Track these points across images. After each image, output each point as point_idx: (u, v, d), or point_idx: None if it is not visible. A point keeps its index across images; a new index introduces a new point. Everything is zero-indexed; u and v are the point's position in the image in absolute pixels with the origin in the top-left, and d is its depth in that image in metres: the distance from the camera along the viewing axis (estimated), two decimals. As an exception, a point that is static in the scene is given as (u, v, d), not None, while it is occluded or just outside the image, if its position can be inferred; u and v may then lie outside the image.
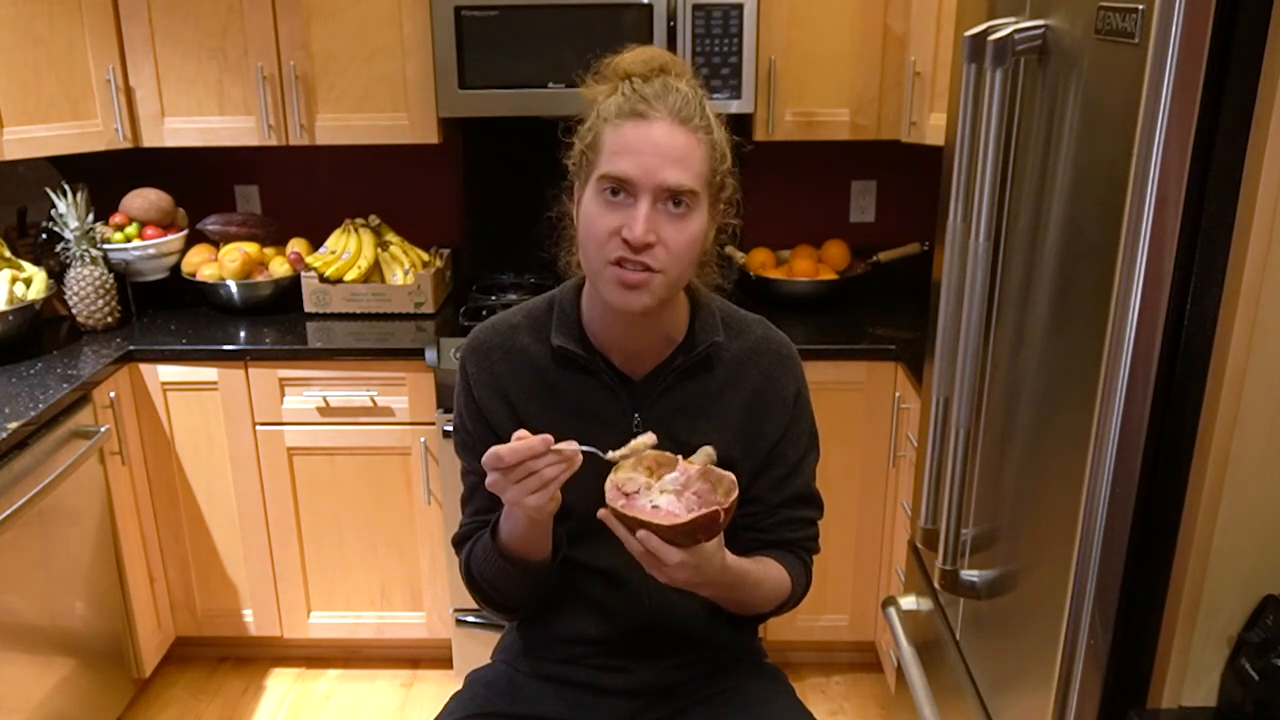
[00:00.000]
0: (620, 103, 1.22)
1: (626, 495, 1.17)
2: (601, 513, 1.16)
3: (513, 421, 1.34)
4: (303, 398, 2.52)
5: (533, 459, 1.14)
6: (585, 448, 1.18)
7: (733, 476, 1.16)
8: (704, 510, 1.13)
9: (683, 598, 1.39)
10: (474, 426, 1.37)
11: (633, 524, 1.14)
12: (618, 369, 1.34)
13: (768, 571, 1.35)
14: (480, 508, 1.38)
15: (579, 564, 1.38)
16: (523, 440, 1.14)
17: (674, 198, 1.20)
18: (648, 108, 1.20)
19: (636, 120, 1.20)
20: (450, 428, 2.40)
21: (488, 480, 1.17)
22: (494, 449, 1.15)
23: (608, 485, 1.17)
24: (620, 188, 1.20)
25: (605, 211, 1.21)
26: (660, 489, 1.17)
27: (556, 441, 1.16)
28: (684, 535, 1.13)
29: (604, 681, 1.43)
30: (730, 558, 1.24)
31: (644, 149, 1.19)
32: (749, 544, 1.39)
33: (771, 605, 1.40)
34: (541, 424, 1.33)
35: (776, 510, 1.40)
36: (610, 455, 1.19)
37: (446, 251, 2.91)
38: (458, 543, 1.42)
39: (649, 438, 1.20)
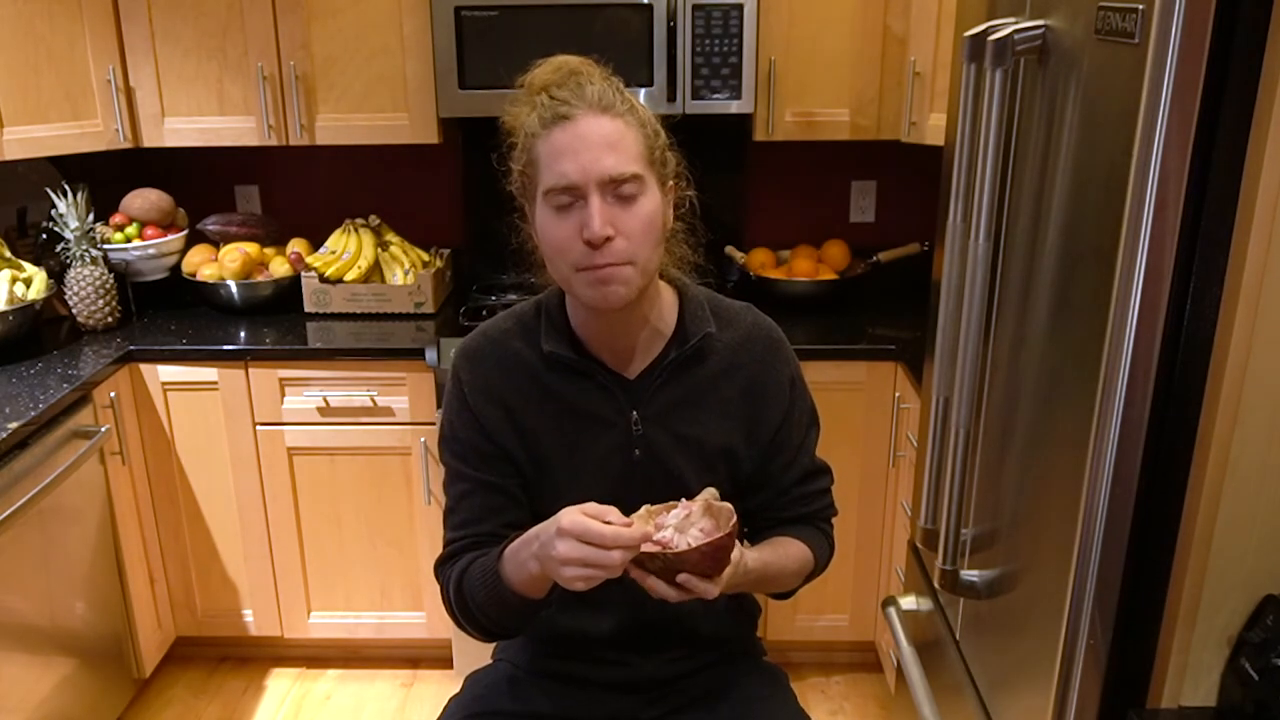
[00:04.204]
0: (541, 114, 1.22)
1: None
2: (633, 573, 1.15)
3: (510, 427, 1.33)
4: (303, 398, 2.52)
5: (621, 547, 1.11)
6: (661, 534, 1.17)
7: (730, 506, 1.17)
8: (711, 539, 1.14)
9: None
10: (466, 434, 1.35)
11: (645, 560, 1.14)
12: (611, 369, 1.34)
13: (789, 553, 1.37)
14: (466, 519, 1.35)
15: None
16: (624, 526, 1.12)
17: (619, 185, 1.20)
18: (568, 108, 1.20)
19: (562, 124, 1.20)
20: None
21: (563, 549, 1.12)
22: (600, 529, 1.10)
23: None
24: (567, 193, 1.20)
25: (560, 221, 1.21)
26: (664, 525, 1.19)
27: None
28: (686, 564, 1.14)
29: (605, 676, 1.43)
30: (752, 556, 1.25)
31: (576, 147, 1.19)
32: (768, 524, 1.41)
33: (800, 580, 1.42)
34: (540, 428, 1.33)
35: (788, 490, 1.42)
36: (669, 526, 1.19)
37: (447, 251, 2.91)
38: (443, 563, 1.37)
39: (709, 491, 1.22)
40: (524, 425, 1.33)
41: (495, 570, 1.26)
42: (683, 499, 1.20)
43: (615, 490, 1.25)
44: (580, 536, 1.10)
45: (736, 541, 1.20)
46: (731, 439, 1.36)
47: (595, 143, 1.19)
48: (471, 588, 1.29)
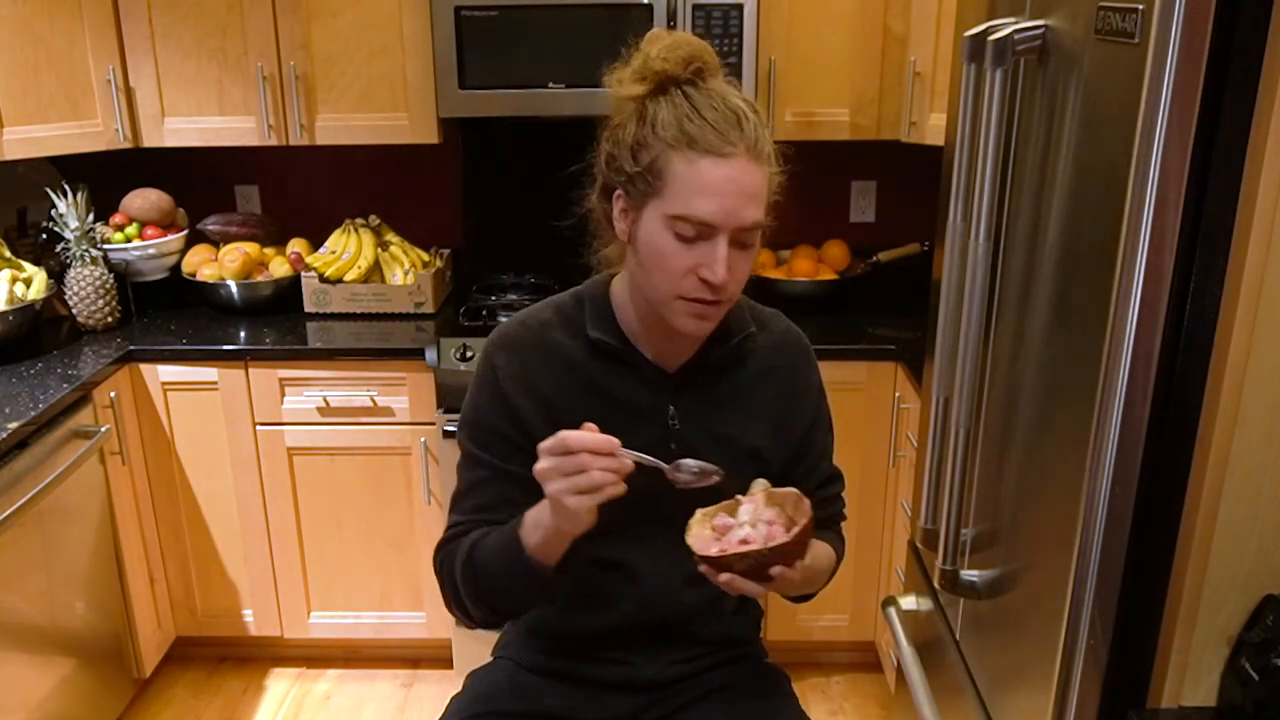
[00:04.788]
0: (690, 129, 1.18)
1: (719, 539, 1.20)
2: (707, 573, 1.17)
3: (544, 417, 1.31)
4: (303, 398, 2.52)
5: (592, 454, 1.12)
6: (650, 460, 1.18)
7: (795, 490, 1.20)
8: (802, 524, 1.16)
9: (690, 593, 1.39)
10: (493, 421, 1.34)
11: (734, 561, 1.16)
12: (652, 362, 1.35)
13: (822, 551, 1.40)
14: (480, 504, 1.34)
15: (588, 559, 1.37)
16: (591, 433, 1.13)
17: (747, 234, 1.21)
18: (725, 144, 1.17)
19: (715, 159, 1.17)
20: (451, 427, 2.41)
21: (539, 465, 1.14)
22: (561, 434, 1.13)
23: (693, 541, 1.19)
24: (699, 227, 1.19)
25: (680, 249, 1.20)
26: (740, 523, 1.20)
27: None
28: (782, 555, 1.16)
29: (607, 675, 1.43)
30: None
31: (725, 190, 1.17)
32: None
33: (827, 578, 1.45)
34: (578, 418, 1.32)
35: (812, 494, 1.42)
36: (671, 473, 1.20)
37: (446, 251, 2.91)
38: (448, 541, 1.35)
39: (760, 482, 1.24)
40: (559, 416, 1.32)
41: (514, 535, 1.24)
42: (737, 495, 1.23)
43: (648, 484, 1.24)
44: (550, 450, 1.13)
45: None
46: (762, 440, 1.37)
47: (744, 188, 1.18)
48: (485, 556, 1.27)
